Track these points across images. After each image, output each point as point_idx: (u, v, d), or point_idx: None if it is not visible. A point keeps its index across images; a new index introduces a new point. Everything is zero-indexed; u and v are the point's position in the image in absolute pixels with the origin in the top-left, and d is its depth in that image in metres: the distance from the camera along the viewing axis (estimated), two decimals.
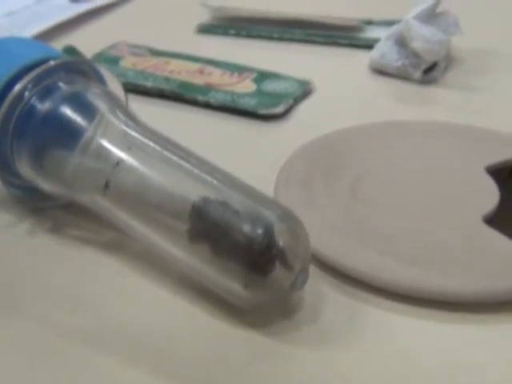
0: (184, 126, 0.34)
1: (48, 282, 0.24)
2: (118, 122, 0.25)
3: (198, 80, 0.38)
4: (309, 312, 0.23)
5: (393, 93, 0.38)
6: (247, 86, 0.37)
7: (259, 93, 0.36)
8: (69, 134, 0.25)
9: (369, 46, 0.42)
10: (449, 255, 0.24)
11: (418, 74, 0.38)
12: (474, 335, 0.22)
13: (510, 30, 0.45)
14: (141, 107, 0.33)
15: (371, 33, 0.45)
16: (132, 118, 0.25)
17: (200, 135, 0.34)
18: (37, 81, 0.25)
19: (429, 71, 0.38)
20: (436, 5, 0.39)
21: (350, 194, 0.28)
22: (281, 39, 0.45)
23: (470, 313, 0.23)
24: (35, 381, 0.21)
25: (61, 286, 0.24)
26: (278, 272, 0.21)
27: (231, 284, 0.22)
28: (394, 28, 0.40)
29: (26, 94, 0.25)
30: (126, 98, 0.28)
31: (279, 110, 0.35)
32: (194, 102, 0.36)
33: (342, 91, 0.38)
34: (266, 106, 0.35)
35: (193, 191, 0.23)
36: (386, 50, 0.40)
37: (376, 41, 0.41)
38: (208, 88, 0.37)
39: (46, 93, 0.25)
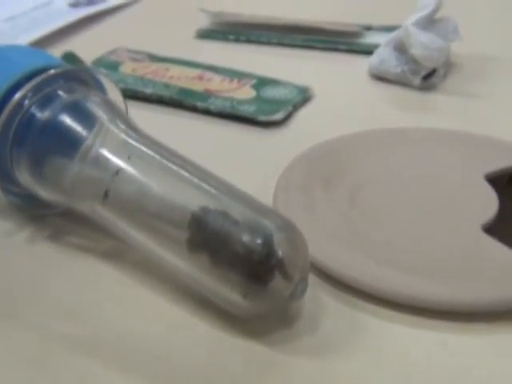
0: (183, 133, 0.35)
1: (47, 290, 0.24)
2: (117, 131, 0.25)
3: (198, 86, 0.38)
4: (308, 321, 0.23)
5: (392, 99, 0.38)
6: (246, 92, 0.37)
7: (258, 99, 0.36)
8: (68, 143, 0.25)
9: (368, 51, 0.42)
10: (448, 264, 0.24)
11: (417, 81, 0.38)
12: (474, 344, 0.22)
13: (510, 36, 0.45)
14: (140, 113, 0.33)
15: (370, 38, 0.45)
16: (132, 127, 0.25)
17: (199, 142, 0.34)
18: (37, 89, 0.25)
19: (428, 77, 0.38)
20: (435, 11, 0.39)
21: (349, 201, 0.28)
22: (280, 45, 0.45)
23: (470, 322, 0.23)
24: None
25: (60, 295, 0.24)
26: (277, 282, 0.21)
27: (230, 294, 0.21)
28: (394, 34, 0.40)
29: (26, 102, 0.25)
30: (126, 107, 0.28)
31: (278, 116, 0.35)
32: (193, 109, 0.36)
33: (341, 97, 0.38)
34: (266, 112, 0.35)
35: (192, 201, 0.23)
36: (385, 56, 0.40)
37: (375, 46, 0.41)
38: (207, 94, 0.37)
39: (46, 101, 0.25)
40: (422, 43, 0.38)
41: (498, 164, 0.30)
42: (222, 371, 0.21)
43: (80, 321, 0.23)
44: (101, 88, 0.27)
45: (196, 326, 0.23)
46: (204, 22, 0.47)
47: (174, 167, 0.24)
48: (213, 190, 0.23)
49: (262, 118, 0.35)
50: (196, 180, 0.23)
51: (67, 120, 0.25)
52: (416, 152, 0.31)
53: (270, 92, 0.37)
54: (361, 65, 0.41)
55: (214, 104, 0.36)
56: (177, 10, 0.52)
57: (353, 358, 0.22)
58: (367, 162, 0.30)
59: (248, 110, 0.35)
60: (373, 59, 0.40)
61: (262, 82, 0.38)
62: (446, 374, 0.21)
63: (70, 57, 0.37)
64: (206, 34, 0.46)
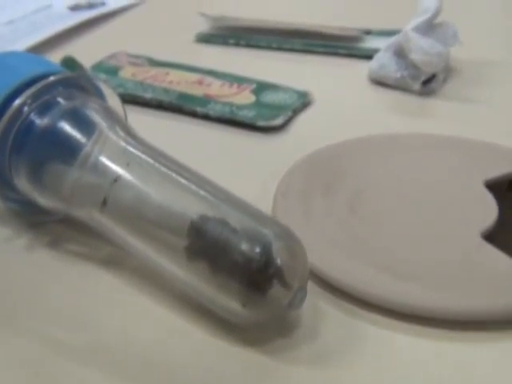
0: (183, 138, 0.35)
1: (46, 297, 0.24)
2: (116, 138, 0.25)
3: (197, 91, 0.38)
4: (307, 329, 0.23)
5: (392, 104, 0.38)
6: (246, 97, 0.37)
7: (258, 104, 0.36)
8: (67, 150, 0.24)
9: (368, 56, 0.42)
10: (448, 272, 0.24)
11: (416, 86, 0.38)
12: (474, 353, 0.22)
13: (510, 41, 0.45)
14: (140, 118, 0.33)
15: (370, 43, 0.45)
16: (131, 134, 0.25)
17: (199, 147, 0.34)
18: (36, 96, 0.25)
19: (428, 83, 0.38)
20: (435, 16, 0.39)
21: (348, 208, 0.28)
22: (280, 49, 0.45)
23: (470, 331, 0.23)
24: None
25: (58, 301, 0.24)
26: (276, 290, 0.21)
27: (229, 302, 0.21)
28: (393, 39, 0.40)
29: (25, 109, 0.25)
30: (125, 114, 0.28)
31: (278, 122, 0.35)
32: (193, 114, 0.36)
33: (341, 102, 0.38)
34: (265, 117, 0.35)
35: (191, 209, 0.23)
36: (385, 61, 0.40)
37: (375, 51, 0.41)
38: (207, 99, 0.37)
39: (45, 108, 0.25)
40: (422, 48, 0.38)
41: (497, 170, 0.30)
42: (221, 380, 0.21)
43: (78, 327, 0.23)
44: (100, 94, 0.27)
45: (194, 334, 0.23)
46: (204, 27, 0.47)
47: (173, 175, 0.24)
48: (212, 198, 0.23)
49: (262, 123, 0.35)
50: (195, 188, 0.23)
51: (66, 127, 0.25)
52: (416, 158, 0.31)
53: (269, 97, 0.37)
54: (360, 69, 0.41)
55: (213, 109, 0.36)
56: (176, 13, 0.52)
57: (352, 367, 0.22)
58: (367, 168, 0.30)
59: (247, 115, 0.35)
60: (372, 64, 0.40)
61: (261, 87, 0.38)
62: (446, 383, 0.21)
63: (69, 61, 0.37)
64: (205, 39, 0.46)
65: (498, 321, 0.23)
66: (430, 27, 0.39)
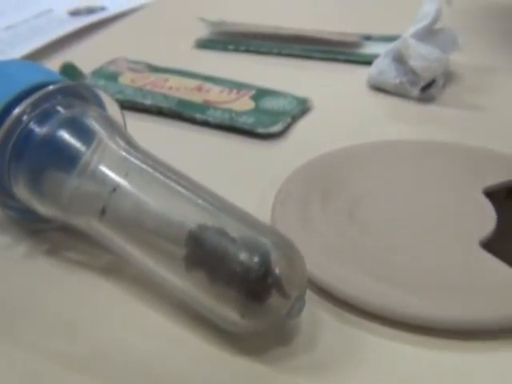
0: (182, 145, 0.35)
1: (44, 305, 0.24)
2: (115, 148, 0.25)
3: (197, 97, 0.38)
4: (306, 338, 0.23)
5: (391, 110, 0.38)
6: (245, 103, 0.37)
7: (257, 111, 0.36)
8: (66, 159, 0.25)
9: (368, 62, 0.42)
10: (446, 281, 0.24)
11: (416, 92, 0.38)
12: (473, 363, 0.22)
13: (509, 47, 0.45)
14: (139, 125, 0.33)
15: (370, 48, 0.45)
16: (130, 143, 0.25)
17: (198, 154, 0.34)
18: (35, 105, 0.25)
19: (427, 89, 0.38)
20: (434, 22, 0.39)
21: (347, 216, 0.28)
22: (279, 54, 0.45)
23: (469, 340, 0.23)
24: None
25: (57, 310, 0.24)
26: (275, 300, 0.21)
27: (227, 311, 0.22)
28: (393, 45, 0.40)
29: (25, 117, 0.25)
30: (124, 122, 0.28)
31: (277, 128, 0.35)
32: (192, 120, 0.36)
33: (340, 109, 0.38)
34: (264, 124, 0.35)
35: (190, 218, 0.23)
36: (384, 67, 0.40)
37: (375, 57, 0.41)
38: (206, 106, 0.37)
39: (45, 117, 0.25)
40: (421, 54, 0.38)
41: (496, 178, 0.30)
42: None
43: (77, 336, 0.23)
44: (99, 103, 0.27)
45: (193, 343, 0.23)
46: (203, 32, 0.47)
47: (172, 184, 0.24)
48: (210, 207, 0.23)
49: (261, 130, 0.35)
50: (193, 197, 0.23)
51: (65, 136, 0.25)
52: (415, 165, 0.31)
53: (268, 103, 0.37)
54: (360, 75, 0.41)
55: (212, 116, 0.36)
56: (176, 19, 0.52)
57: (351, 376, 0.22)
58: (366, 176, 0.30)
59: (247, 121, 0.35)
60: (372, 70, 0.40)
61: (260, 93, 0.38)
62: None
63: (69, 68, 0.38)
64: (205, 44, 0.46)
65: (496, 330, 0.23)
66: (429, 33, 0.39)
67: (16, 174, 0.25)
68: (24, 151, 0.25)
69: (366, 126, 0.36)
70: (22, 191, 0.25)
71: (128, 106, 0.37)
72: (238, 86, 0.39)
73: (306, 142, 0.35)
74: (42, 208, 0.25)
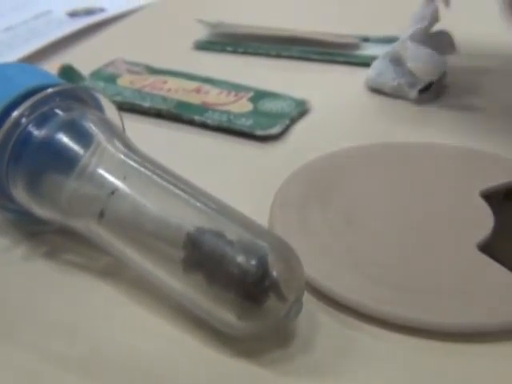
0: (180, 147, 0.35)
1: (42, 308, 0.25)
2: (114, 151, 0.25)
3: (195, 99, 0.38)
4: (303, 341, 0.23)
5: (389, 113, 0.38)
6: (244, 105, 0.37)
7: (255, 113, 0.37)
8: (64, 162, 0.25)
9: (366, 63, 0.42)
10: (444, 284, 0.24)
11: (414, 94, 0.38)
12: (471, 366, 0.22)
13: (507, 49, 0.45)
14: (138, 127, 0.34)
15: (368, 50, 0.45)
16: (128, 146, 0.25)
17: (196, 156, 0.34)
18: (34, 108, 0.25)
19: (425, 90, 0.39)
20: (432, 24, 0.39)
21: (345, 219, 0.28)
22: (278, 56, 0.45)
23: (467, 343, 0.23)
24: None
25: (56, 312, 0.24)
26: (272, 303, 0.21)
27: (224, 314, 0.22)
28: (391, 47, 0.40)
29: (23, 120, 0.25)
30: (123, 125, 0.28)
31: (275, 130, 0.35)
32: (190, 122, 0.36)
33: (338, 110, 0.38)
34: (263, 126, 0.35)
35: (187, 221, 0.23)
36: (382, 69, 0.40)
37: (373, 58, 0.41)
38: (205, 108, 0.37)
39: (43, 119, 0.25)
40: (419, 56, 0.38)
41: (493, 180, 0.30)
42: None
43: (76, 338, 0.23)
44: (98, 105, 0.27)
45: (191, 345, 0.23)
46: (202, 34, 0.47)
47: (170, 187, 0.24)
48: (208, 210, 0.23)
49: (259, 132, 0.35)
50: (191, 200, 0.23)
51: (64, 138, 0.25)
52: (413, 167, 0.31)
53: (267, 105, 0.37)
54: (358, 77, 0.41)
55: (211, 117, 0.36)
56: (175, 20, 0.52)
57: (349, 379, 0.22)
58: (364, 178, 0.30)
59: (245, 123, 0.35)
60: (370, 72, 0.40)
61: (259, 95, 0.38)
62: None
63: (67, 70, 0.38)
64: (203, 46, 0.46)
65: (494, 333, 0.23)
66: (427, 35, 0.39)
67: (14, 176, 0.25)
68: (22, 154, 0.25)
69: (364, 127, 0.36)
70: (20, 194, 0.26)
71: (127, 107, 0.37)
72: (237, 88, 0.39)
73: (304, 143, 0.35)
74: (41, 210, 0.25)
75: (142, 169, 0.24)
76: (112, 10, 0.53)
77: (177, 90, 0.39)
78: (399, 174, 0.31)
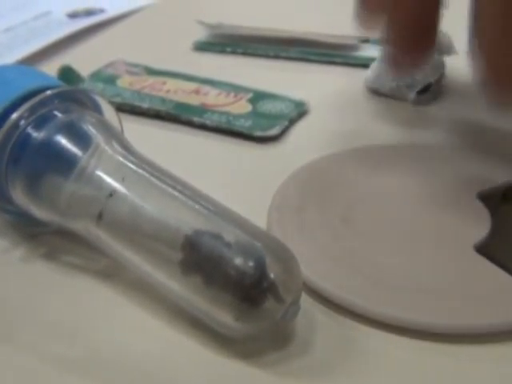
0: (179, 148, 0.35)
1: (42, 309, 0.25)
2: (112, 153, 0.25)
3: (194, 100, 0.38)
4: (301, 342, 0.23)
5: (387, 114, 0.38)
6: (243, 106, 0.38)
7: (254, 114, 0.37)
8: (63, 164, 0.25)
9: (365, 64, 0.42)
10: (441, 286, 0.24)
11: (412, 95, 0.38)
12: (468, 368, 0.22)
13: None
14: (137, 128, 0.34)
15: (367, 51, 0.45)
16: (127, 148, 0.25)
17: (195, 157, 0.34)
18: (33, 110, 0.25)
19: (423, 92, 0.39)
20: None
21: (343, 220, 0.28)
22: (277, 57, 0.45)
23: (464, 344, 0.23)
24: None
25: (55, 314, 0.24)
26: (269, 304, 0.21)
27: (222, 315, 0.22)
28: None
29: (22, 122, 0.25)
30: (122, 127, 0.28)
31: (274, 132, 0.35)
32: (189, 123, 0.36)
33: (337, 112, 0.38)
34: (261, 127, 0.35)
35: (185, 223, 0.23)
36: (381, 71, 0.40)
37: (372, 60, 0.41)
38: (204, 109, 0.37)
39: (42, 122, 0.25)
40: None
41: (491, 181, 0.30)
42: None
43: (75, 340, 0.23)
44: (97, 107, 0.28)
45: (189, 347, 0.23)
46: (202, 35, 0.48)
47: (169, 189, 0.24)
48: (206, 212, 0.23)
49: (258, 133, 0.35)
50: (189, 202, 0.23)
51: (63, 140, 0.25)
52: (411, 169, 0.31)
53: (266, 106, 0.37)
54: (357, 78, 0.41)
55: (210, 119, 0.36)
56: (175, 21, 0.52)
57: (346, 380, 0.22)
58: (362, 179, 0.30)
59: (244, 125, 0.36)
60: (369, 73, 0.40)
61: (258, 96, 0.39)
62: None
63: (67, 71, 0.38)
64: (203, 47, 0.47)
65: (491, 334, 0.23)
66: None
67: (13, 178, 0.26)
68: (21, 156, 0.25)
69: (362, 129, 0.36)
70: (19, 195, 0.26)
71: (126, 109, 0.37)
72: (236, 89, 0.39)
73: (302, 145, 0.35)
74: (40, 212, 0.26)
75: (141, 171, 0.24)
76: (112, 11, 0.53)
77: (176, 91, 0.39)
78: (397, 176, 0.31)
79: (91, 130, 0.25)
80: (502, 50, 0.25)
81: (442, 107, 0.38)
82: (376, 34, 0.33)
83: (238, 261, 0.22)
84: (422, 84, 0.38)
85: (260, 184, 0.31)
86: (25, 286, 0.26)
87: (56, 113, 0.26)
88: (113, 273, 0.26)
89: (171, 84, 0.40)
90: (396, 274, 0.25)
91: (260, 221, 0.27)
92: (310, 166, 0.32)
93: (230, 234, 0.22)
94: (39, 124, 0.25)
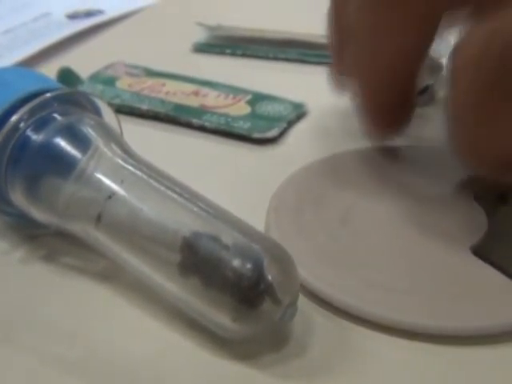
0: (178, 150, 0.35)
1: (42, 311, 0.25)
2: (111, 155, 0.25)
3: (193, 102, 0.38)
4: (298, 343, 0.23)
5: None
6: (241, 108, 0.38)
7: (253, 116, 0.37)
8: (62, 166, 0.25)
9: None
10: (437, 287, 0.25)
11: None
12: (466, 369, 0.22)
13: None
14: (136, 129, 0.34)
15: None
16: (126, 151, 0.25)
17: (194, 159, 0.34)
18: (32, 112, 0.25)
19: (421, 94, 0.39)
20: None
21: (341, 222, 0.28)
22: (276, 59, 0.45)
23: (462, 346, 0.23)
24: None
25: (55, 315, 0.25)
26: (267, 306, 0.22)
27: (220, 317, 0.22)
28: None
29: (22, 125, 0.25)
30: (121, 129, 0.28)
31: (273, 133, 0.35)
32: (188, 125, 0.37)
33: (335, 113, 0.38)
34: (260, 129, 0.35)
35: (184, 225, 0.23)
36: None
37: None
38: (203, 111, 0.37)
39: (41, 124, 0.25)
40: None
41: (487, 182, 0.30)
42: None
43: (75, 341, 0.24)
44: (96, 109, 0.28)
45: (186, 348, 0.23)
46: (201, 36, 0.48)
47: (167, 191, 0.24)
48: (204, 215, 0.23)
49: (257, 135, 0.35)
50: (188, 204, 0.24)
51: (62, 143, 0.25)
52: (409, 170, 0.31)
53: (264, 108, 0.38)
54: None
55: (209, 120, 0.36)
56: (174, 22, 0.52)
57: (344, 381, 0.22)
58: (360, 181, 0.31)
59: (243, 126, 0.36)
60: None
61: (257, 98, 0.39)
62: None
63: (66, 73, 0.38)
64: (202, 48, 0.47)
65: (487, 336, 0.23)
66: None
67: (13, 180, 0.26)
68: (21, 158, 0.25)
69: (360, 131, 0.36)
70: (18, 197, 0.26)
71: (125, 111, 0.37)
72: (235, 91, 0.39)
73: (301, 147, 0.35)
74: (39, 214, 0.26)
75: (139, 173, 0.25)
76: (111, 12, 0.53)
77: (175, 93, 0.39)
78: (395, 177, 0.31)
79: (90, 132, 0.26)
80: (478, 140, 0.25)
81: (440, 109, 0.38)
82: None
83: (236, 263, 0.22)
84: (419, 86, 0.38)
85: (258, 185, 0.31)
86: (24, 287, 0.26)
87: (55, 115, 0.26)
88: (111, 274, 0.26)
89: (170, 85, 0.40)
90: (393, 275, 0.25)
91: (258, 222, 0.27)
92: (309, 168, 0.32)
93: (228, 236, 0.22)
94: (39, 126, 0.25)
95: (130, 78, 0.41)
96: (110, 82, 0.41)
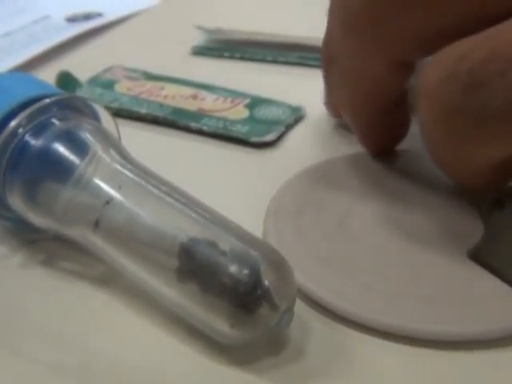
0: (176, 153, 0.35)
1: (40, 316, 0.25)
2: (109, 161, 0.25)
3: (192, 106, 0.38)
4: (295, 348, 0.23)
5: None
6: (240, 111, 0.38)
7: (251, 119, 0.37)
8: (60, 171, 0.25)
9: None
10: (434, 292, 0.25)
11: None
12: (462, 374, 0.23)
13: None
14: (135, 133, 0.34)
15: None
16: (124, 156, 0.25)
17: (192, 162, 0.34)
18: (31, 118, 0.25)
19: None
20: None
21: (339, 227, 0.28)
22: (275, 62, 0.45)
23: (458, 351, 0.23)
24: None
25: (53, 320, 0.25)
26: (264, 311, 0.22)
27: (217, 322, 0.22)
28: None
29: (20, 130, 0.25)
30: (119, 134, 0.28)
31: (271, 137, 0.35)
32: (186, 129, 0.37)
33: (334, 117, 0.38)
34: (258, 133, 0.36)
35: (181, 231, 0.23)
36: None
37: None
38: (201, 114, 0.37)
39: (40, 129, 0.26)
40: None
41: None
42: None
43: (72, 346, 0.24)
44: (95, 115, 0.28)
45: (183, 353, 0.23)
46: (200, 39, 0.48)
47: (165, 197, 0.24)
48: (202, 221, 0.24)
49: (255, 139, 0.35)
50: (186, 210, 0.24)
51: (60, 148, 0.25)
52: (408, 175, 0.32)
53: (263, 112, 0.38)
54: None
55: (207, 124, 0.36)
56: (173, 26, 0.52)
57: None
58: (358, 186, 0.31)
59: (241, 130, 0.36)
60: None
61: (255, 102, 0.39)
62: None
63: (65, 77, 0.38)
64: (201, 51, 0.47)
65: (484, 341, 0.23)
66: None
67: (11, 185, 0.26)
68: (19, 163, 0.25)
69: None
70: (17, 202, 0.26)
71: (124, 114, 0.37)
72: (233, 94, 0.40)
73: (299, 151, 0.35)
74: (37, 219, 0.26)
75: (137, 178, 0.25)
76: (110, 16, 0.53)
77: (174, 97, 0.39)
78: (393, 182, 0.31)
79: (89, 137, 0.26)
80: (447, 158, 0.26)
81: None
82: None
83: (233, 269, 0.22)
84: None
85: (257, 189, 0.32)
86: (23, 291, 0.26)
87: (54, 120, 0.26)
88: (110, 279, 0.26)
89: (169, 89, 0.40)
90: (389, 280, 0.25)
91: (257, 225, 0.28)
92: (307, 172, 0.32)
93: (226, 242, 0.22)
94: (37, 132, 0.26)
95: (128, 82, 0.41)
96: (108, 85, 0.41)
